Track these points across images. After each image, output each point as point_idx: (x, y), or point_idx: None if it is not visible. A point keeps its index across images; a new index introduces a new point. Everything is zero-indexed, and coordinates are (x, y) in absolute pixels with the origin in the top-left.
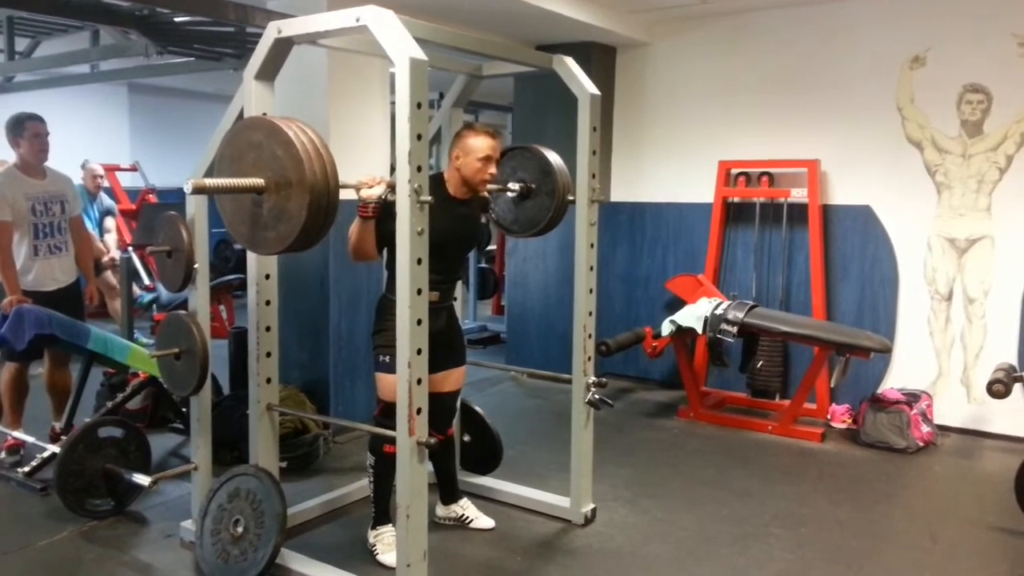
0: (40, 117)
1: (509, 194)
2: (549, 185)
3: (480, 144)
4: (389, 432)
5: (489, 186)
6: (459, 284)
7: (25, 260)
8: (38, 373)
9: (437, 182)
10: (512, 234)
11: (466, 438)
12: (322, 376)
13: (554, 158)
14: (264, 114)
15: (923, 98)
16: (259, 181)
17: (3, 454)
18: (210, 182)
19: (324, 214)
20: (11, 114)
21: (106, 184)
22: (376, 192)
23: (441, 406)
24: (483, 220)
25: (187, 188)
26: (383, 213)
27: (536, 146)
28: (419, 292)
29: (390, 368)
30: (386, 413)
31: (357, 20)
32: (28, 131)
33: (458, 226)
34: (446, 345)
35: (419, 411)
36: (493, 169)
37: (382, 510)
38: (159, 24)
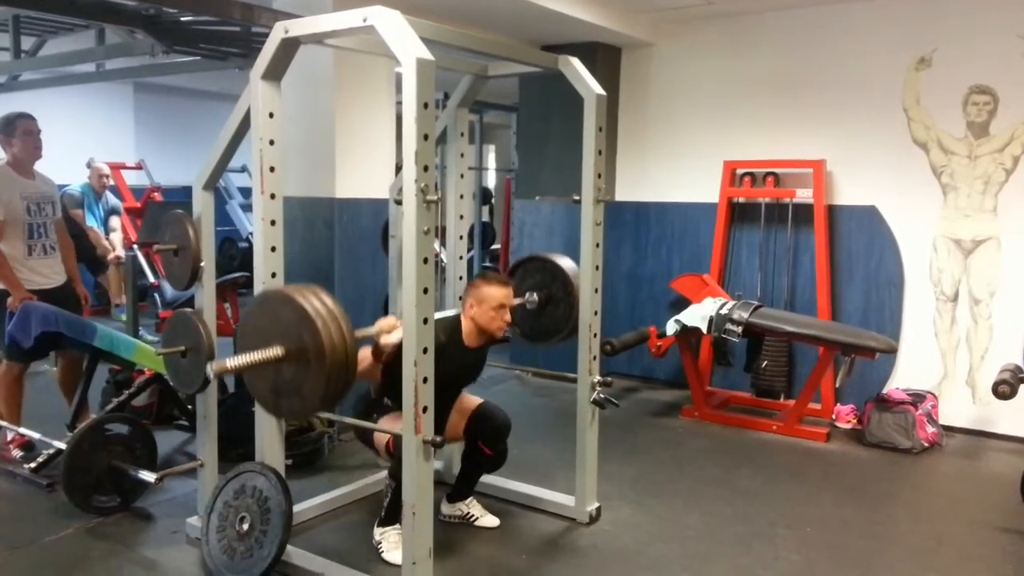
0: (30, 115)
1: (528, 306)
2: (567, 295)
3: (494, 293)
4: (395, 431)
5: (515, 301)
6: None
7: (20, 260)
8: (43, 370)
9: (454, 329)
10: (534, 343)
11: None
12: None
13: (568, 266)
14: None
15: (929, 99)
16: (279, 351)
17: (18, 452)
18: (231, 363)
19: (343, 382)
20: (11, 111)
21: (111, 183)
22: (395, 339)
23: (488, 421)
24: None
25: (210, 374)
26: (395, 354)
27: (551, 256)
28: (425, 291)
29: (383, 413)
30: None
31: (364, 20)
32: (19, 129)
33: (464, 371)
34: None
35: (425, 409)
36: (508, 316)
37: (391, 513)
38: (165, 23)
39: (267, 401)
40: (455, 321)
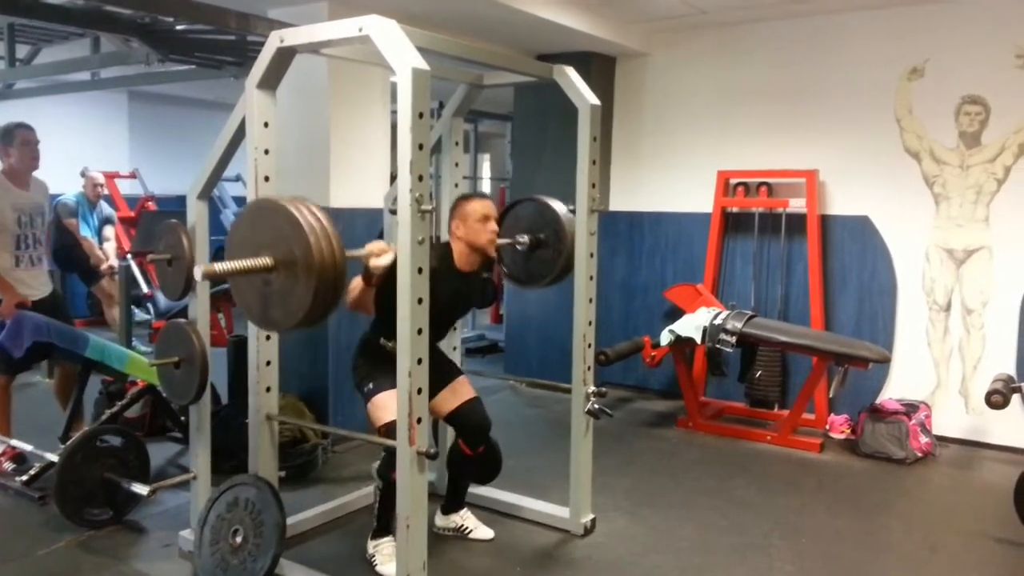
0: (29, 125)
1: (518, 247)
2: (557, 237)
3: (475, 206)
4: (389, 441)
5: (500, 241)
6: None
7: (6, 271)
8: (35, 381)
9: (445, 252)
10: (523, 286)
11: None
12: (321, 385)
13: (560, 208)
14: (273, 198)
15: (921, 109)
16: (268, 261)
17: (9, 464)
18: (220, 267)
19: (331, 295)
20: (10, 121)
21: (106, 192)
22: (384, 262)
23: (467, 419)
24: (485, 276)
25: (197, 275)
26: (386, 277)
27: (541, 197)
28: (420, 302)
29: (379, 388)
30: (390, 433)
31: (360, 30)
32: (17, 139)
33: (458, 296)
34: (436, 370)
35: (419, 420)
36: (494, 226)
37: (383, 523)
38: (160, 32)
39: (255, 312)
40: (446, 245)
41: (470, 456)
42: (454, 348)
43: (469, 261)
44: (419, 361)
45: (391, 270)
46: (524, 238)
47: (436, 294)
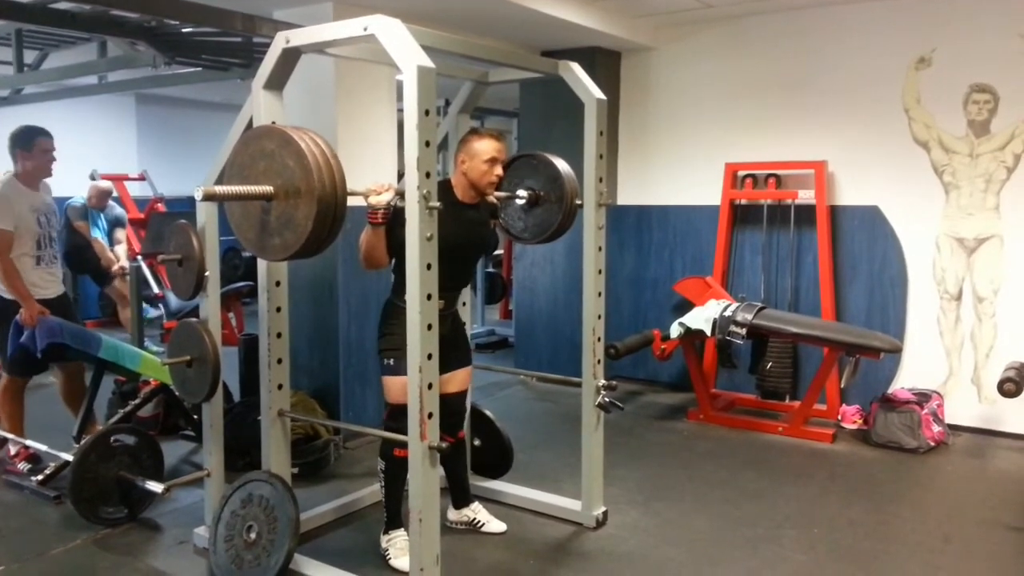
0: (48, 133)
1: (518, 201)
2: (557, 191)
3: (485, 146)
4: (399, 436)
5: (497, 194)
6: (467, 289)
7: (28, 270)
8: (49, 383)
9: (444, 188)
10: (522, 241)
11: (476, 442)
12: (332, 382)
13: (561, 164)
14: (273, 123)
15: (929, 98)
16: (268, 189)
17: (24, 465)
18: (220, 189)
19: (331, 223)
20: (18, 126)
21: (115, 194)
22: (384, 199)
23: (448, 407)
24: (492, 226)
25: (198, 195)
26: (393, 220)
27: (542, 153)
28: (428, 297)
29: (396, 371)
30: (394, 416)
31: (365, 29)
32: (38, 147)
33: (467, 231)
34: (451, 347)
35: (430, 416)
36: (499, 171)
37: (394, 514)
38: (167, 35)
39: (253, 240)
40: (445, 182)
41: (450, 442)
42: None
43: (469, 195)
44: (429, 356)
45: (402, 217)
46: (523, 193)
47: (444, 229)
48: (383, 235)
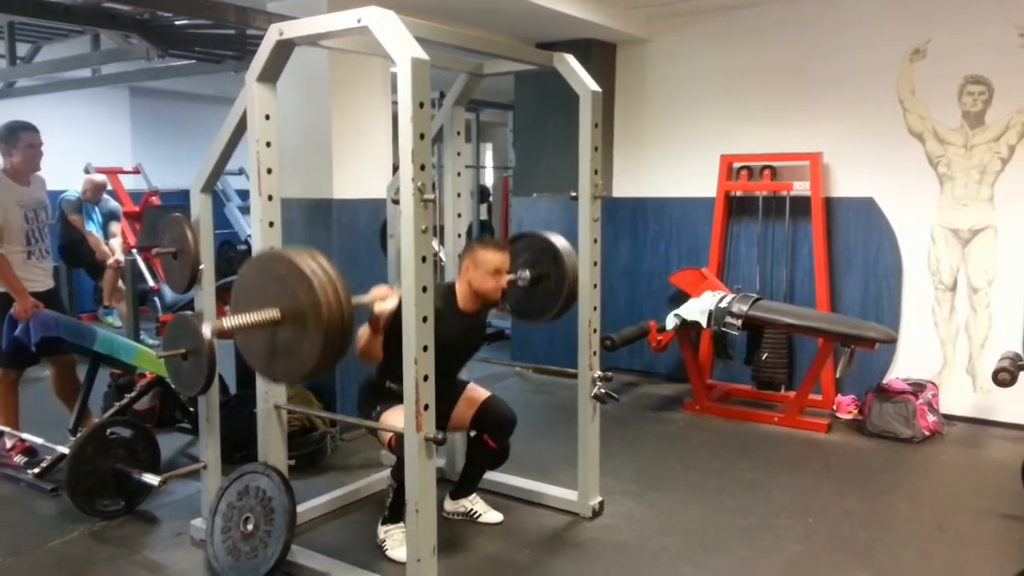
0: (34, 127)
1: (520, 282)
2: (558, 272)
3: (490, 257)
4: (398, 429)
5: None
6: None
7: (18, 265)
8: (45, 376)
9: (448, 293)
10: (526, 320)
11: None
12: (328, 375)
13: (561, 243)
14: (272, 246)
15: (924, 90)
16: (275, 314)
17: (20, 458)
18: (228, 322)
19: (339, 347)
20: (14, 120)
21: (109, 188)
22: (390, 306)
23: (493, 413)
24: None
25: (207, 334)
26: (393, 318)
27: (543, 233)
28: (424, 290)
29: (384, 409)
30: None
31: (359, 21)
32: (22, 142)
33: (464, 338)
34: (447, 390)
35: (426, 407)
36: (504, 281)
37: (395, 512)
38: (160, 28)
39: (262, 364)
40: (450, 287)
41: (495, 450)
42: None
43: (473, 304)
44: (424, 348)
45: (396, 314)
46: (527, 273)
47: (440, 334)
48: (382, 336)
